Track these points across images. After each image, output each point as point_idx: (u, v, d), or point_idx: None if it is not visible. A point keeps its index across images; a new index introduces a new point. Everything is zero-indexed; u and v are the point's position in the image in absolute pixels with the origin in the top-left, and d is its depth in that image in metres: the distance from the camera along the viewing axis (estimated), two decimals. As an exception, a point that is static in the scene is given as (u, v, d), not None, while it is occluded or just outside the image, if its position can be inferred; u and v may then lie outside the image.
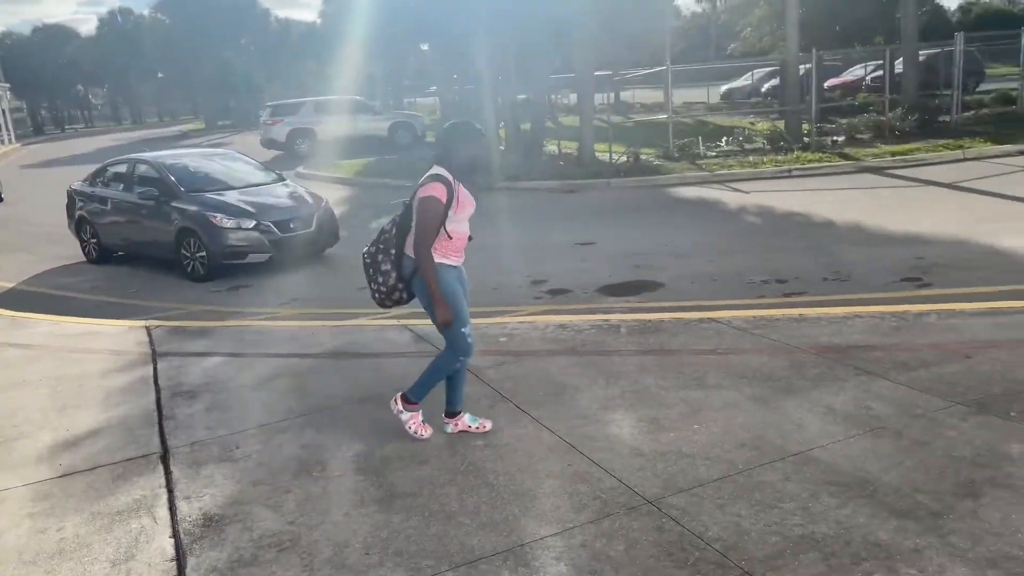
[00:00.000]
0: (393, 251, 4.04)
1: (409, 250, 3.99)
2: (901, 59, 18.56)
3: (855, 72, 26.67)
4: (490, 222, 12.01)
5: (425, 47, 21.26)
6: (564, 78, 22.43)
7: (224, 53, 53.06)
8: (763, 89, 30.23)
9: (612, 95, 31.90)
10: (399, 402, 4.31)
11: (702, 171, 14.59)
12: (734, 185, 13.37)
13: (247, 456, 4.20)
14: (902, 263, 7.39)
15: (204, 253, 8.97)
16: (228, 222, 8.95)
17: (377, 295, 4.15)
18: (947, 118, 17.48)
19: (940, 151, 14.30)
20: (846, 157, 14.62)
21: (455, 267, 4.05)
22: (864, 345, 5.12)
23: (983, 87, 23.68)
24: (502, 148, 18.84)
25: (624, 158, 16.20)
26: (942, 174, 12.47)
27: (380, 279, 4.09)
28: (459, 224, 4.00)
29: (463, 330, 4.03)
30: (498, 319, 6.40)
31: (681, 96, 27.26)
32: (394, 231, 4.06)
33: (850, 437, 3.87)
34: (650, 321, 6.03)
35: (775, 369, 4.82)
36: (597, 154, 16.84)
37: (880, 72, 20.62)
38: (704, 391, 4.56)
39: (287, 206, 9.60)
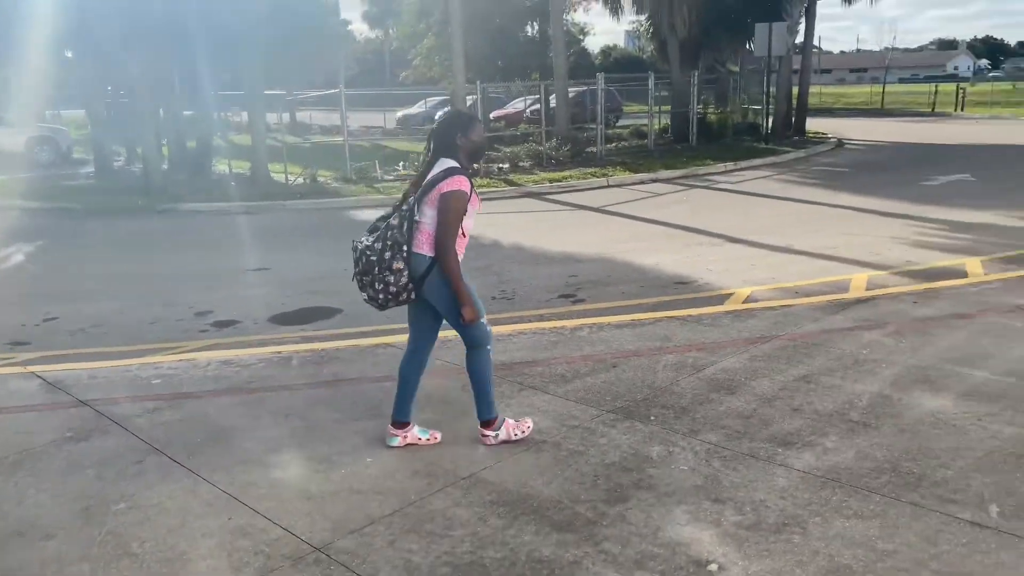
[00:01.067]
0: (405, 247, 3.80)
1: (420, 248, 3.84)
2: (555, 94, 20.36)
3: (517, 105, 28.77)
4: (147, 248, 10.95)
5: (70, 54, 18.88)
6: (235, 95, 21.38)
7: None
8: (436, 117, 31.26)
9: (287, 115, 31.06)
10: (486, 433, 4.11)
11: (380, 194, 14.69)
12: (410, 208, 13.61)
13: None
14: (559, 281, 7.99)
15: None
16: None
17: (381, 296, 3.84)
18: (594, 149, 19.49)
19: (589, 178, 15.88)
20: (511, 183, 15.65)
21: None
22: (527, 361, 5.39)
23: (623, 122, 26.85)
24: (165, 167, 17.37)
25: (301, 179, 15.80)
26: (591, 199, 13.84)
27: (391, 279, 3.79)
28: (471, 219, 3.93)
29: (483, 320, 3.99)
30: (151, 359, 5.76)
31: (359, 119, 27.34)
32: (404, 226, 3.81)
33: (515, 454, 4.00)
34: (325, 350, 5.82)
35: (449, 391, 4.88)
36: (272, 175, 16.23)
37: (538, 105, 22.47)
38: (380, 420, 4.45)
39: None
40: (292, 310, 7.30)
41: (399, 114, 34.23)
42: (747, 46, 25.95)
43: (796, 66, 25.63)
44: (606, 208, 12.92)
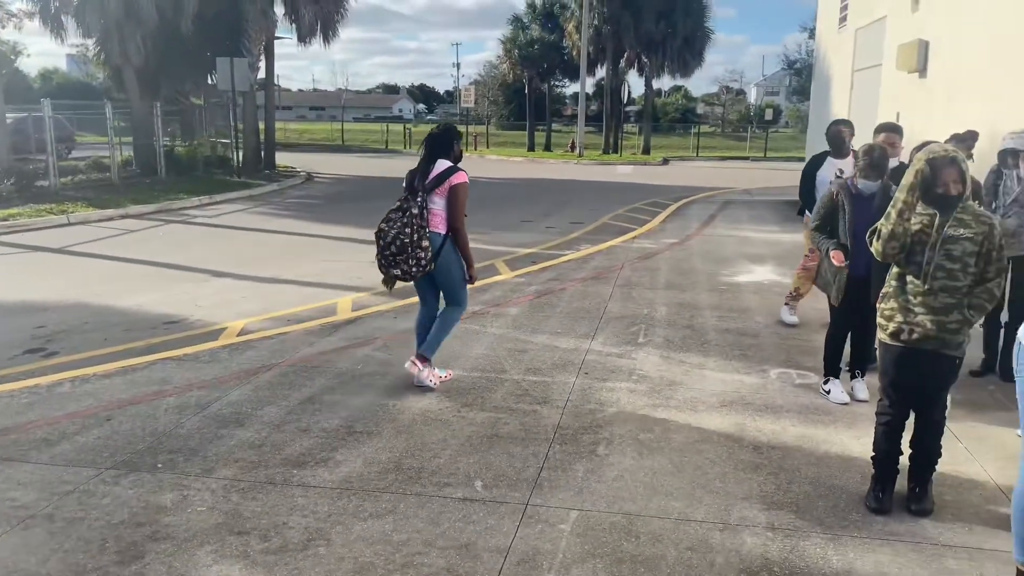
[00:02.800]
0: (427, 229, 5.00)
1: (435, 228, 5.10)
2: (-13, 120, 17.48)
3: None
4: None
5: None
6: None
7: None
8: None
9: None
10: (417, 363, 5.26)
11: None
12: None
13: None
14: (22, 334, 6.93)
15: None
16: None
17: (415, 269, 5.01)
18: (46, 183, 17.25)
19: (44, 216, 14.03)
20: (-63, 224, 12.99)
21: None
22: (-5, 431, 4.60)
23: (77, 153, 24.27)
24: None
25: None
26: (50, 239, 12.25)
27: (421, 255, 4.98)
28: None
29: (467, 287, 5.37)
30: None
31: None
32: (423, 213, 4.99)
33: (-3, 539, 3.41)
34: None
35: None
36: None
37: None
38: None
39: None
40: None
41: None
42: (209, 80, 25.70)
43: (260, 102, 26.25)
44: (71, 248, 11.56)
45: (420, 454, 4.35)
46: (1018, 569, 3.10)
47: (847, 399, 5.16)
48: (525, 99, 47.62)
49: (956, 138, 5.60)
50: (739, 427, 4.79)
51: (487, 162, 34.62)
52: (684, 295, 8.37)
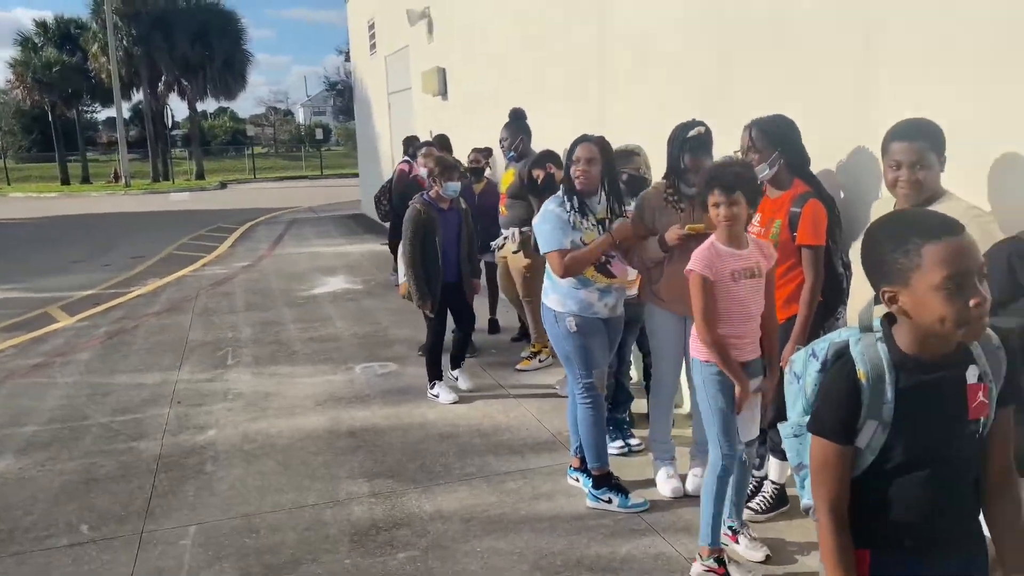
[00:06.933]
0: None
1: None
2: None
3: None
4: None
5: None
6: None
7: None
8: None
9: None
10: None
11: None
12: None
13: None
14: None
15: None
16: None
17: None
18: None
19: None
20: None
21: None
22: None
23: None
24: None
25: None
26: None
27: None
28: None
29: None
30: None
31: None
32: None
33: None
34: None
35: None
36: None
37: None
38: None
39: None
40: None
41: None
42: None
43: None
44: None
45: (7, 516, 4.07)
46: (572, 464, 4.18)
47: (456, 397, 5.58)
48: (51, 127, 42.39)
49: (478, 150, 6.87)
50: (335, 420, 5.30)
51: (12, 201, 30.37)
52: (266, 314, 8.64)
